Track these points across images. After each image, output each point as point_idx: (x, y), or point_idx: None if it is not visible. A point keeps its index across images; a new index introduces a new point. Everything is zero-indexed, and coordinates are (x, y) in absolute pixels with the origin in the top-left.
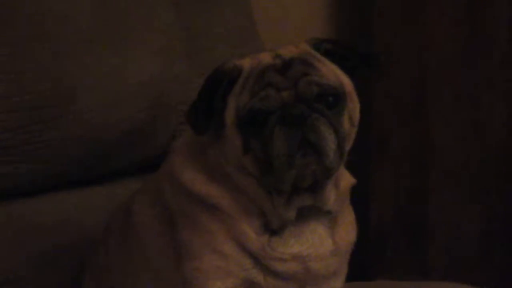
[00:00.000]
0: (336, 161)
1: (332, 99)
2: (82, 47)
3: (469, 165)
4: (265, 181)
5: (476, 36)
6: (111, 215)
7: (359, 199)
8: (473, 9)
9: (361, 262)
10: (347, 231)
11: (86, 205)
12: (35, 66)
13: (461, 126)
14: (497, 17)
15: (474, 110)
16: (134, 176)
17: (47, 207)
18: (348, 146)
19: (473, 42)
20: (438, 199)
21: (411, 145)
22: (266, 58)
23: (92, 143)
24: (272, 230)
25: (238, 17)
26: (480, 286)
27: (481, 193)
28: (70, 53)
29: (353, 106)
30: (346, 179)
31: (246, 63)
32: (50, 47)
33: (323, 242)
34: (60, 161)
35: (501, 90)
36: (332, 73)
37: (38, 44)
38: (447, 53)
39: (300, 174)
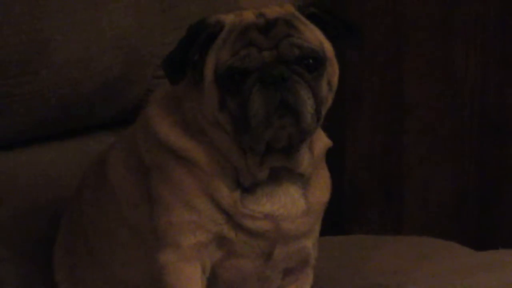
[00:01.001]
0: (313, 124)
1: (312, 62)
2: (55, 1)
3: (443, 120)
4: (240, 139)
5: None
6: (85, 169)
7: (334, 154)
8: None
9: (336, 217)
10: (321, 191)
11: (61, 160)
12: (8, 20)
13: (435, 81)
14: None
15: (449, 66)
16: (109, 130)
17: (22, 161)
18: (325, 110)
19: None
20: (413, 153)
21: (386, 99)
22: (249, 16)
23: (67, 97)
24: (245, 187)
25: None
26: (453, 240)
27: (455, 147)
28: (43, 7)
29: (333, 71)
30: (322, 142)
31: (229, 19)
32: (23, 1)
33: (295, 202)
34: (35, 115)
35: (476, 45)
36: (314, 36)
37: None
38: (423, 8)
39: (276, 135)
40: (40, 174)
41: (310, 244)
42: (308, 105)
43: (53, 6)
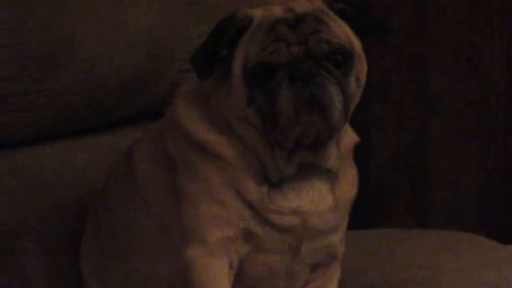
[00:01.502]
0: (341, 120)
1: (341, 58)
2: None
3: (469, 115)
4: (268, 135)
5: None
6: (112, 165)
7: (360, 149)
8: None
9: (362, 213)
10: (348, 186)
11: (87, 155)
12: (34, 15)
13: (461, 76)
14: None
15: (475, 59)
16: (135, 124)
17: (49, 157)
18: (353, 106)
19: None
20: (440, 148)
21: (411, 94)
22: (278, 10)
23: (93, 92)
24: (272, 183)
25: None
26: (480, 234)
27: (482, 142)
28: (68, 2)
29: (361, 67)
30: (349, 137)
31: (257, 14)
32: None
33: (323, 198)
34: (61, 110)
35: (502, 38)
36: (343, 32)
37: None
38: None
39: (304, 131)
40: (66, 170)
41: (337, 239)
42: (336, 101)
43: (78, 1)
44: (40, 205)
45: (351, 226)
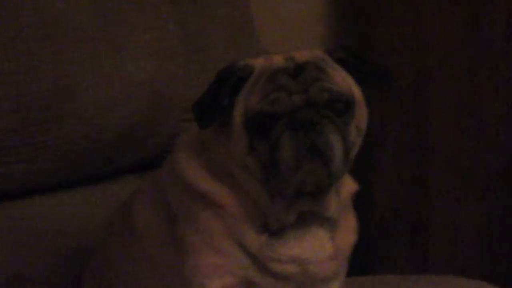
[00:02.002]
0: (342, 168)
1: (342, 106)
2: (80, 47)
3: (468, 162)
4: (268, 183)
5: (477, 31)
6: (111, 215)
7: (359, 194)
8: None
9: (362, 257)
10: (348, 234)
11: (86, 205)
12: (33, 66)
13: (460, 121)
14: (495, 19)
15: (474, 105)
16: (134, 175)
17: (47, 208)
18: (353, 154)
19: (475, 36)
20: (439, 195)
21: (410, 138)
22: (278, 60)
23: (92, 143)
24: (272, 231)
25: (235, 14)
26: (482, 280)
27: (481, 189)
28: (69, 53)
29: (361, 115)
30: (349, 185)
31: (258, 63)
32: (49, 46)
33: (323, 246)
34: (59, 161)
35: (500, 83)
36: (343, 80)
37: (37, 44)
38: (447, 47)
39: (305, 179)
40: (65, 221)
41: (337, 286)
42: (337, 149)
43: (78, 52)
44: (37, 257)
45: (351, 272)
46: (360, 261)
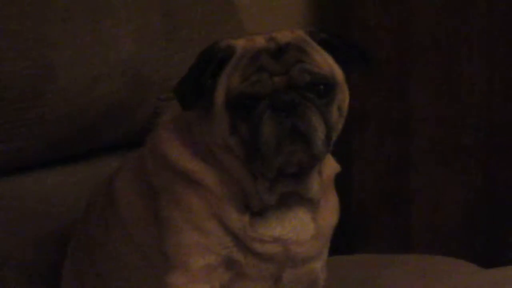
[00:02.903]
0: (323, 150)
1: (323, 88)
2: (60, 26)
3: (450, 138)
4: (250, 164)
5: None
6: (92, 193)
7: (341, 173)
8: None
9: (343, 235)
10: (330, 215)
11: (67, 184)
12: (14, 45)
13: (441, 99)
14: None
15: (455, 83)
16: (114, 153)
17: (27, 186)
18: (335, 136)
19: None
20: (420, 174)
21: (392, 118)
22: (260, 40)
23: (72, 121)
24: (254, 211)
25: None
26: (462, 258)
27: (463, 168)
28: (48, 32)
29: (343, 97)
30: (331, 166)
31: (240, 44)
32: (28, 26)
33: (305, 227)
34: (41, 140)
35: (483, 63)
36: (325, 62)
37: (16, 23)
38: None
39: (286, 160)
40: (46, 199)
41: (319, 266)
42: (319, 131)
43: (58, 31)
44: (19, 233)
45: (333, 251)
46: (343, 241)
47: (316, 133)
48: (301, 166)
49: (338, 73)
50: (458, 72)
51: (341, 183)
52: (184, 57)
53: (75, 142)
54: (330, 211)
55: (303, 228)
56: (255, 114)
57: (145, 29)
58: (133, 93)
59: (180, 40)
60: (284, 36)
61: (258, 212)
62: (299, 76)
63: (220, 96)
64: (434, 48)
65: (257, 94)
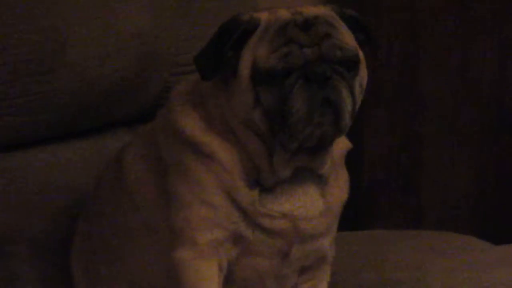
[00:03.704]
0: (349, 123)
1: (351, 64)
2: (72, 1)
3: (460, 116)
4: (272, 137)
5: None
6: (102, 168)
7: (352, 150)
8: None
9: (354, 213)
10: (339, 191)
11: (78, 158)
12: (25, 19)
13: (452, 78)
14: None
15: (466, 62)
16: (127, 128)
17: (40, 160)
18: (356, 110)
19: None
20: (430, 149)
21: (402, 96)
22: (285, 13)
23: (84, 96)
24: (265, 186)
25: None
26: (472, 235)
27: (473, 143)
28: (60, 6)
29: (364, 74)
30: (343, 143)
31: (264, 16)
32: (39, 0)
33: (314, 203)
34: (52, 114)
35: (493, 41)
36: (351, 39)
37: None
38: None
39: (313, 132)
40: (57, 173)
41: (327, 242)
42: (348, 104)
43: (69, 5)
44: (30, 208)
45: (343, 227)
46: (353, 217)
47: (346, 106)
48: (324, 139)
49: (360, 50)
50: (468, 53)
51: (352, 160)
52: (197, 33)
53: (85, 117)
54: (340, 188)
55: (312, 204)
56: (286, 85)
57: (158, 3)
58: (145, 68)
59: (193, 15)
60: (310, 10)
61: (267, 188)
62: (331, 51)
63: (245, 68)
64: (445, 28)
65: (289, 66)
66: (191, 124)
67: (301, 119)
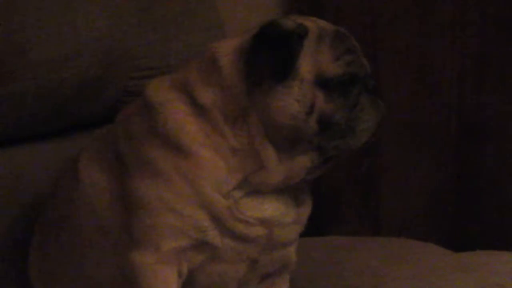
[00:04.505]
0: None
1: None
2: (31, 3)
3: (420, 120)
4: (316, 143)
5: None
6: (60, 169)
7: None
8: None
9: (313, 218)
10: (309, 199)
11: (36, 162)
12: None
13: (412, 81)
14: None
15: (426, 65)
16: (85, 131)
17: None
18: None
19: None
20: (390, 154)
21: None
22: (324, 23)
23: (44, 98)
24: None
25: None
26: (431, 241)
27: (432, 148)
28: (21, 8)
29: None
30: None
31: (309, 24)
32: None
33: (288, 210)
34: (12, 116)
35: (453, 45)
36: None
37: None
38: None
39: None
40: (14, 177)
41: (292, 249)
42: None
43: (29, 6)
44: None
45: (304, 234)
46: (313, 223)
47: None
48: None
49: None
50: (428, 56)
51: None
52: (158, 37)
53: (45, 120)
54: (309, 196)
55: (286, 212)
56: (352, 94)
57: (118, 7)
58: (105, 70)
59: (154, 19)
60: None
61: (252, 193)
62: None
63: (307, 72)
64: (404, 23)
65: (356, 75)
66: (181, 119)
67: (370, 128)
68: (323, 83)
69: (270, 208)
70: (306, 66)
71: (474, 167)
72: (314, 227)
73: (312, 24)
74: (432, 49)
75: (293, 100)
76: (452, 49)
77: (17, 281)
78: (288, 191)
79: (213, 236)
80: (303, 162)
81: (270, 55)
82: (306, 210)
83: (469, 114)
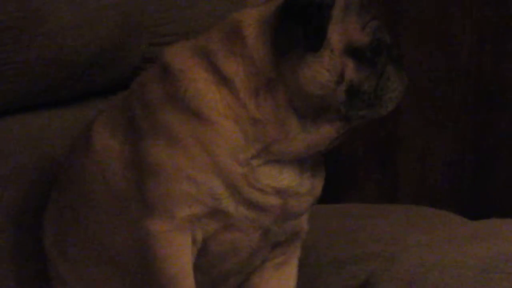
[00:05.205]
0: None
1: None
2: None
3: (439, 89)
4: (344, 113)
5: None
6: (75, 136)
7: None
8: None
9: (332, 186)
10: (323, 170)
11: (54, 127)
12: None
13: (431, 50)
14: None
15: (445, 34)
16: (104, 97)
17: (15, 129)
18: None
19: None
20: (408, 123)
21: None
22: None
23: (63, 65)
24: (265, 161)
25: None
26: (448, 209)
27: (451, 116)
28: None
29: None
30: None
31: None
32: None
33: (304, 181)
34: (30, 83)
35: (472, 13)
36: None
37: None
38: None
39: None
40: (33, 143)
41: (304, 218)
42: None
43: None
44: (2, 178)
45: (320, 201)
46: (330, 190)
47: None
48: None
49: None
50: (447, 25)
51: None
52: (177, 3)
53: (64, 86)
54: (323, 164)
55: (302, 183)
56: (380, 63)
57: None
58: (124, 37)
59: None
60: None
61: (265, 163)
62: None
63: (337, 42)
64: (426, 3)
65: (383, 42)
66: (202, 87)
67: (396, 97)
68: (352, 52)
69: (287, 178)
70: (335, 35)
71: (491, 135)
72: (332, 195)
73: None
74: (451, 19)
75: (323, 70)
76: (471, 17)
77: (31, 248)
78: (305, 162)
79: (228, 204)
80: (328, 131)
81: (299, 25)
82: (320, 182)
83: (486, 83)
